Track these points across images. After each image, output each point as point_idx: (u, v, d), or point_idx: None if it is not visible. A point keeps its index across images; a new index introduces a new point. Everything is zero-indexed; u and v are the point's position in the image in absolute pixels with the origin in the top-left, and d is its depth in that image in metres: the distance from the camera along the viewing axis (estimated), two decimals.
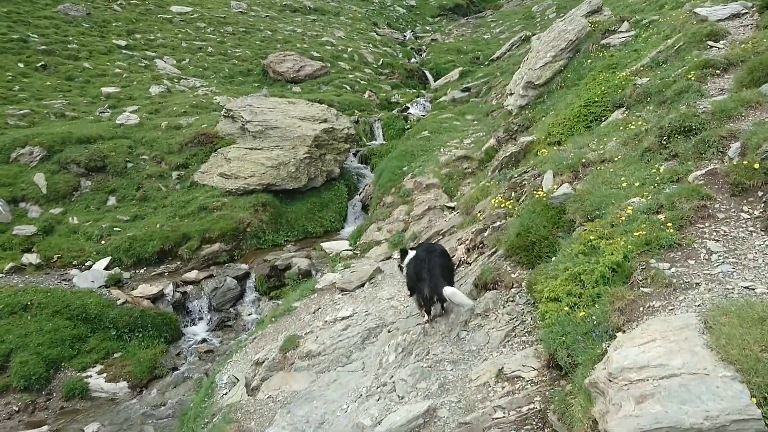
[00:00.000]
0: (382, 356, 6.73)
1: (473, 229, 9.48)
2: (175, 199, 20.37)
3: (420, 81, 43.27)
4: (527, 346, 5.49)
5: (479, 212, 11.07)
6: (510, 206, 8.70)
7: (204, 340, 15.66)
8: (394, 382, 5.98)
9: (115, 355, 14.43)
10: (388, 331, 7.95)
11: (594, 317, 4.40)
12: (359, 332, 8.23)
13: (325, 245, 18.51)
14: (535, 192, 8.28)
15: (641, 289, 4.48)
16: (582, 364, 4.24)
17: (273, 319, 12.79)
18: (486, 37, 50.08)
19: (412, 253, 7.82)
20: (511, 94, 18.42)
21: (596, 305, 4.55)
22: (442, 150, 20.91)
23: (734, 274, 4.41)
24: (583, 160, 7.87)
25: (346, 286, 12.74)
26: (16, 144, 20.92)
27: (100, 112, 25.90)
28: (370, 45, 47.70)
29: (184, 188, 21.05)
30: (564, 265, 5.20)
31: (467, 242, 9.53)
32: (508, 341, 5.72)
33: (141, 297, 15.93)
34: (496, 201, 9.14)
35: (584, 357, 4.25)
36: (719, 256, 4.65)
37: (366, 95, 35.00)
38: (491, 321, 6.30)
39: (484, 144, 18.91)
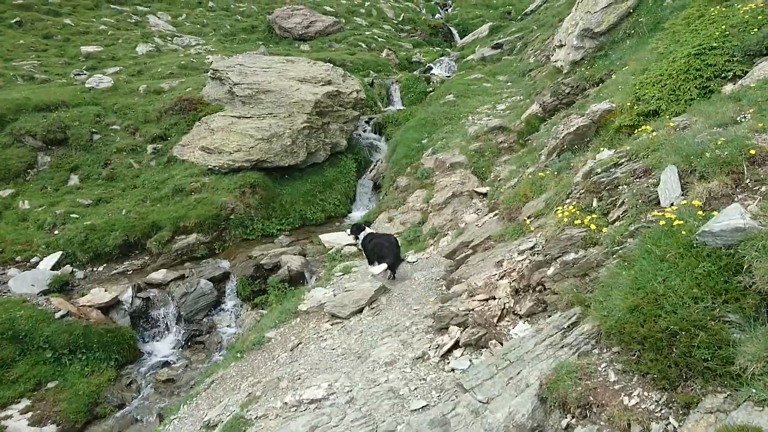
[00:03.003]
0: None
1: (526, 257, 5.79)
2: (147, 179, 16.95)
3: (445, 39, 38.99)
4: None
5: (529, 219, 7.32)
6: (593, 226, 5.00)
7: (166, 363, 12.38)
8: None
9: (49, 386, 11.23)
10: None
11: None
12: None
13: (324, 238, 15.00)
14: (646, 206, 4.55)
15: None
16: None
17: (238, 354, 9.41)
18: None
19: (366, 230, 9.72)
20: (561, 46, 14.33)
21: None
22: (470, 118, 17.02)
23: None
24: (752, 152, 4.10)
25: (338, 312, 9.28)
26: None
27: (76, 75, 22.44)
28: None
29: (161, 165, 17.59)
30: None
31: (514, 276, 5.85)
32: None
33: (89, 306, 12.66)
34: (567, 213, 5.42)
35: None
36: None
37: (384, 54, 30.96)
38: None
39: (523, 111, 14.98)
